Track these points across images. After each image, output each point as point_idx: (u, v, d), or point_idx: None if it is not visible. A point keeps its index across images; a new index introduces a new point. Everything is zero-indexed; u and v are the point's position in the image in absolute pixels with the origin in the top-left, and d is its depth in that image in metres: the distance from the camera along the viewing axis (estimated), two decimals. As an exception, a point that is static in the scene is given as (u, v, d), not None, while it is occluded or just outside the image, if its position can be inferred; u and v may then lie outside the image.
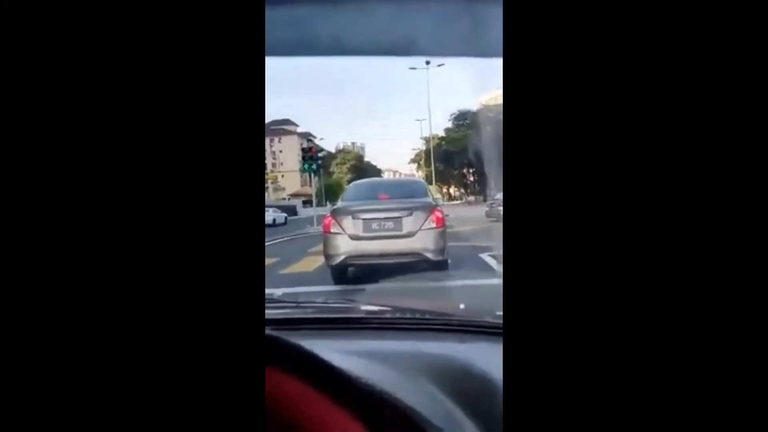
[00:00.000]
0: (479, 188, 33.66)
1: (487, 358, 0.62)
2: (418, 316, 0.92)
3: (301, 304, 1.05)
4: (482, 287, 4.25)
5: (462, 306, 1.16)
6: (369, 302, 1.11)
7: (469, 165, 33.06)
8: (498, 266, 5.53)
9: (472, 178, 34.59)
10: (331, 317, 0.89)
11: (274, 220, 18.63)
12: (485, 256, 6.29)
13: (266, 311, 0.42)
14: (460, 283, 4.39)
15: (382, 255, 4.74)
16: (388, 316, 0.94)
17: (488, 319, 0.82)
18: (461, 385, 0.56)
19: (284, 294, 3.19)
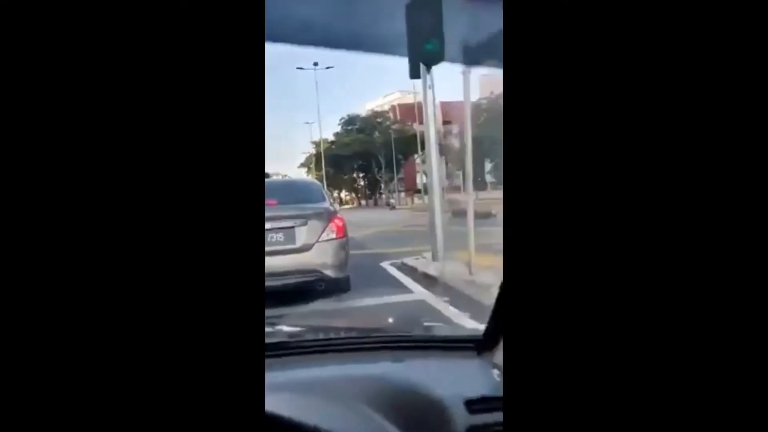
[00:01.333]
0: (369, 192, 33.89)
1: (422, 374, 0.65)
2: (343, 335, 0.87)
3: None
4: (399, 305, 3.83)
5: (390, 320, 1.16)
6: (291, 324, 1.04)
7: (359, 169, 33.07)
8: (403, 277, 5.20)
9: (362, 183, 34.62)
10: None
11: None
12: (387, 266, 5.94)
13: None
14: (372, 302, 3.91)
15: (270, 275, 4.02)
16: (313, 337, 0.89)
17: (418, 332, 0.82)
18: (398, 404, 0.59)
19: None
